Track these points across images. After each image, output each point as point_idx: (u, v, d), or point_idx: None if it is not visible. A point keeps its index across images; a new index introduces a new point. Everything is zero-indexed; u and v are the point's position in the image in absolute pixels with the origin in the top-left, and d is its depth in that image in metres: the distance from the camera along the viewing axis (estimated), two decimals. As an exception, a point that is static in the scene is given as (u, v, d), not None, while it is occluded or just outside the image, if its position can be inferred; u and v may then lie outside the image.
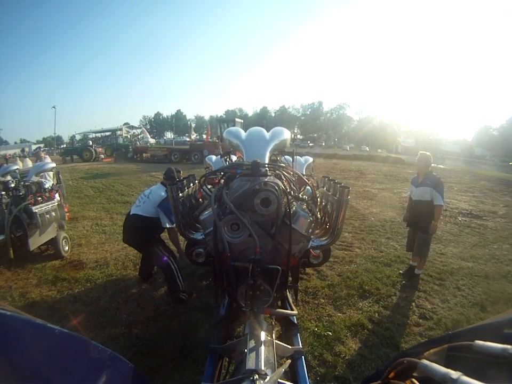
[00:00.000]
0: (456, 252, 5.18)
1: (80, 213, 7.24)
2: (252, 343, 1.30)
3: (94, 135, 39.40)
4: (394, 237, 5.84)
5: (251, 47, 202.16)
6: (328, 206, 2.15)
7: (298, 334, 1.82)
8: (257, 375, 1.05)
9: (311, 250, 2.01)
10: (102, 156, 24.19)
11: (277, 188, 1.46)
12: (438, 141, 63.16)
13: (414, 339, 2.87)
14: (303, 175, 3.12)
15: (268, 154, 1.96)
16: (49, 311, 3.25)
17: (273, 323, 1.80)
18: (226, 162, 3.36)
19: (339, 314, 3.23)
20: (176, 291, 3.35)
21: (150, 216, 3.30)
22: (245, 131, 2.23)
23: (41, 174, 5.64)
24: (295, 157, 3.21)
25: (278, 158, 2.87)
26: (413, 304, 3.48)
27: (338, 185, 1.86)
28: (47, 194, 4.66)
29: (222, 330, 1.84)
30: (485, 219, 7.54)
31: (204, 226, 1.66)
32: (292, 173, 1.96)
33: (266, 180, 1.48)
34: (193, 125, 39.31)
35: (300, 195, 1.79)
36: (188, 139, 34.82)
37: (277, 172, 1.74)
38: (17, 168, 5.90)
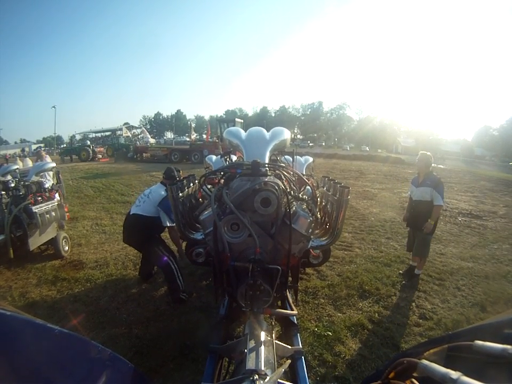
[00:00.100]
0: (456, 252, 5.18)
1: (80, 213, 7.24)
2: (251, 343, 1.30)
3: (94, 135, 39.43)
4: (394, 237, 5.83)
5: (251, 47, 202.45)
6: (328, 206, 2.15)
7: (298, 334, 1.82)
8: (257, 375, 1.05)
9: (311, 250, 2.01)
10: (100, 156, 24.19)
11: (277, 187, 1.46)
12: (438, 141, 63.16)
13: (414, 339, 2.87)
14: (303, 175, 3.12)
15: (268, 154, 1.96)
16: (49, 311, 3.25)
17: (273, 323, 1.80)
18: (226, 162, 3.36)
19: (339, 314, 3.23)
20: (176, 291, 3.35)
21: (150, 215, 3.30)
22: (245, 131, 2.23)
23: (41, 173, 5.64)
24: (295, 156, 3.21)
25: (278, 158, 2.87)
26: (413, 304, 3.48)
27: (338, 185, 1.86)
28: (47, 194, 4.66)
29: (222, 330, 1.84)
30: (485, 219, 7.54)
31: (203, 226, 1.66)
32: (292, 173, 1.96)
33: (266, 179, 1.48)
34: (193, 125, 39.33)
35: (300, 195, 1.78)
36: (188, 139, 34.86)
37: (277, 171, 1.74)
38: (17, 168, 5.91)
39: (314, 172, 4.39)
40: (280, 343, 1.51)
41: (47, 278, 3.98)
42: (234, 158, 3.66)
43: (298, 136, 74.87)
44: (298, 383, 1.45)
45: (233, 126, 17.78)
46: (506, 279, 4.22)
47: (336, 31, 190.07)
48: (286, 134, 2.24)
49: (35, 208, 4.19)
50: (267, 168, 1.64)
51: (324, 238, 2.00)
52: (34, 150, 41.40)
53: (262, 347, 1.27)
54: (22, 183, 4.58)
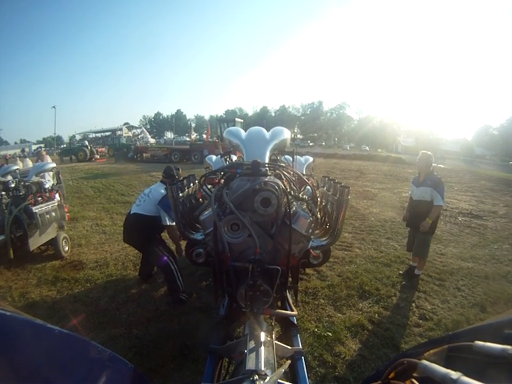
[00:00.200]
0: (456, 252, 5.18)
1: (80, 213, 7.24)
2: (251, 344, 1.30)
3: (94, 135, 39.48)
4: (394, 237, 5.83)
5: (251, 47, 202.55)
6: (328, 206, 2.15)
7: (298, 335, 1.82)
8: (257, 376, 1.05)
9: (311, 250, 2.01)
10: (97, 156, 24.23)
11: (277, 187, 1.46)
12: (438, 141, 63.13)
13: (414, 340, 2.86)
14: (303, 174, 3.11)
15: (268, 154, 1.96)
16: (49, 311, 3.25)
17: (273, 324, 1.80)
18: (226, 162, 3.36)
19: (339, 314, 3.23)
20: (176, 291, 3.35)
21: (150, 215, 3.30)
22: (245, 131, 2.23)
23: (41, 174, 5.64)
24: (295, 156, 3.21)
25: (278, 158, 2.87)
26: (413, 304, 3.47)
27: (338, 185, 1.86)
28: (47, 194, 4.66)
29: (222, 330, 1.83)
30: (485, 219, 7.53)
31: (203, 227, 1.65)
32: (292, 173, 1.96)
33: (266, 179, 1.48)
34: (193, 125, 39.40)
35: (300, 195, 1.79)
36: (188, 139, 34.86)
37: (277, 171, 1.74)
38: (17, 168, 5.90)
39: (314, 171, 4.38)
40: (280, 343, 1.51)
41: (47, 278, 3.98)
42: (234, 158, 3.66)
43: (298, 135, 74.77)
44: (298, 383, 1.45)
45: (233, 125, 17.79)
46: (506, 279, 4.21)
47: (336, 31, 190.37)
48: (286, 134, 2.24)
49: (35, 209, 4.19)
50: (267, 168, 1.64)
51: (324, 238, 2.00)
52: (34, 150, 41.47)
53: (262, 347, 1.27)
54: (22, 183, 4.58)
